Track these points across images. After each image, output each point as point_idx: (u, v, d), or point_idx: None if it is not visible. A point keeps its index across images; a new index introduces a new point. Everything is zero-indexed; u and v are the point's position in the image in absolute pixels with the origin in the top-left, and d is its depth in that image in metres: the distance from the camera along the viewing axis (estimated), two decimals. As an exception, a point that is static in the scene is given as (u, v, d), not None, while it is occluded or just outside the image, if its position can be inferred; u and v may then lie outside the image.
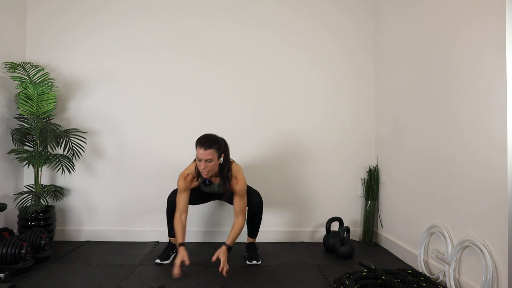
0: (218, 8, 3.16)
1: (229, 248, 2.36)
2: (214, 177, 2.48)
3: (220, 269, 2.23)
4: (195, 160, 2.48)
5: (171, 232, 2.58)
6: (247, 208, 2.56)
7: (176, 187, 2.56)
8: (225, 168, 2.43)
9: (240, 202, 2.47)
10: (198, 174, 2.46)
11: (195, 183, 2.50)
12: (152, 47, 3.14)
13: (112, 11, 3.15)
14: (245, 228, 2.66)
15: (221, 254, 2.29)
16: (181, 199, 2.45)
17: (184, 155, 2.85)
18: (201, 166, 2.32)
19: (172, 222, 2.53)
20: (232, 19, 3.16)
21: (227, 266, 2.27)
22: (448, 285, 2.01)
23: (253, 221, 2.62)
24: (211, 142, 2.31)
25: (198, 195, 2.59)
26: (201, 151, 2.29)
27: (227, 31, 3.16)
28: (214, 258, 2.28)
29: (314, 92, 3.17)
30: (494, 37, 1.74)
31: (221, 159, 2.38)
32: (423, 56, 2.40)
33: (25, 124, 2.90)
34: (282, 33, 3.17)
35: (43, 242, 2.48)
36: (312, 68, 3.18)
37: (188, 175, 2.46)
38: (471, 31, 1.92)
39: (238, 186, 2.44)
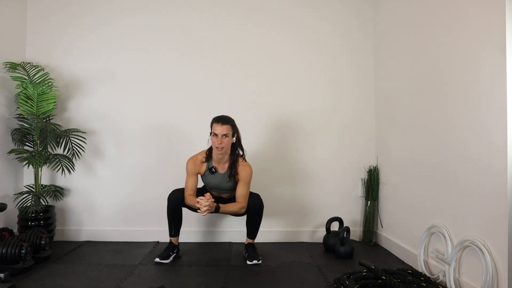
0: (219, 6, 3.16)
1: (218, 208, 2.42)
2: (222, 163, 2.54)
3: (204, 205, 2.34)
4: (205, 150, 2.59)
5: (172, 231, 2.60)
6: (247, 212, 2.58)
7: (175, 188, 2.61)
8: (236, 148, 2.56)
9: (243, 188, 2.53)
10: (207, 157, 2.55)
11: (202, 168, 2.57)
12: (152, 46, 3.14)
13: (112, 11, 3.15)
14: (244, 228, 2.69)
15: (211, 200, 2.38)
16: (190, 181, 2.54)
17: (184, 155, 2.84)
18: (217, 142, 2.43)
19: (172, 221, 2.57)
20: (233, 15, 3.17)
21: (208, 209, 2.35)
22: (448, 285, 2.01)
23: (253, 222, 2.62)
24: (226, 119, 2.50)
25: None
26: (218, 126, 2.45)
27: (229, 28, 3.16)
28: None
29: (314, 91, 3.17)
30: (494, 35, 1.74)
31: (234, 138, 2.53)
32: (422, 56, 2.40)
33: (25, 124, 2.90)
34: (284, 29, 3.17)
35: (43, 242, 2.48)
36: (313, 64, 3.18)
37: (197, 158, 2.58)
38: (471, 30, 1.91)
39: (245, 173, 2.53)
